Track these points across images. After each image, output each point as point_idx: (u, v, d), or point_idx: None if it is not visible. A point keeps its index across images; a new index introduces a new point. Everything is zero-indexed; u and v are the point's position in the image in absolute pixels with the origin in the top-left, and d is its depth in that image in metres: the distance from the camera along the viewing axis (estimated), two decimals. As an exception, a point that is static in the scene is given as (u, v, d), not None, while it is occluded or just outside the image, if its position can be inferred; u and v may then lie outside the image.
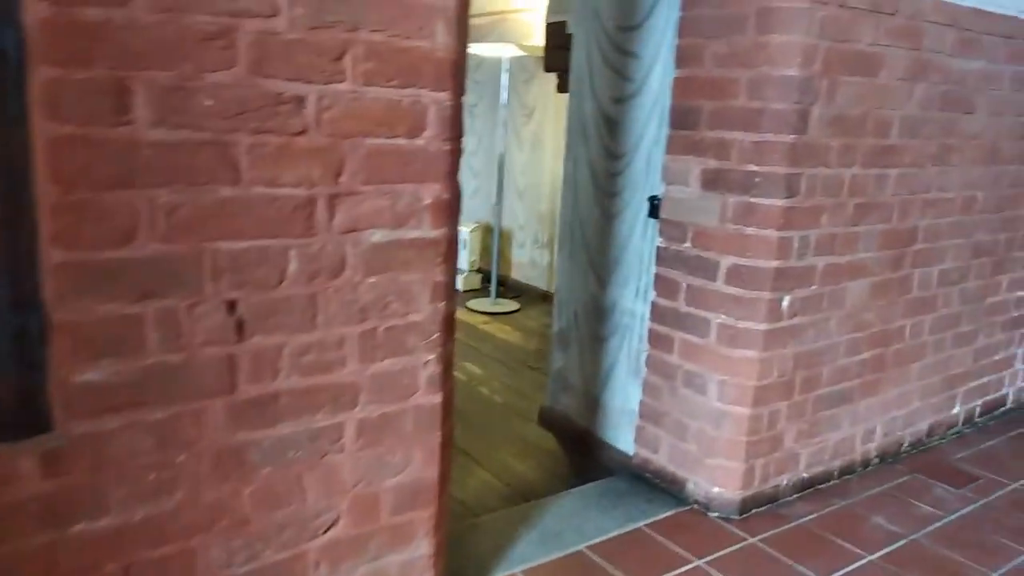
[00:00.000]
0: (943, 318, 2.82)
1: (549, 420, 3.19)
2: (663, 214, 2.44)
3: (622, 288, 2.79)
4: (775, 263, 2.18)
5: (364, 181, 1.40)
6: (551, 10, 3.47)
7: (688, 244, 2.35)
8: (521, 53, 4.56)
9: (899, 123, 2.38)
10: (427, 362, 1.57)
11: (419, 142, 1.45)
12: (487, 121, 5.64)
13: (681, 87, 2.31)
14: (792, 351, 2.32)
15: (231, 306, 1.31)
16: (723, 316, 2.27)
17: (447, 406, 1.65)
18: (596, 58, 2.79)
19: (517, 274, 5.61)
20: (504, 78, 4.85)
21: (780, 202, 2.14)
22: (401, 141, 1.43)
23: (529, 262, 5.52)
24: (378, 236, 1.44)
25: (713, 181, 2.24)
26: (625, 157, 2.72)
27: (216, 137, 1.23)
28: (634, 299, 2.74)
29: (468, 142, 5.94)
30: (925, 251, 2.64)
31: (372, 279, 1.46)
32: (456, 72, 1.47)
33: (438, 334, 1.57)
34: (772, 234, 2.16)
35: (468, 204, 6.05)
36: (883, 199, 2.42)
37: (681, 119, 2.32)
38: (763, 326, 2.22)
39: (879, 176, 2.38)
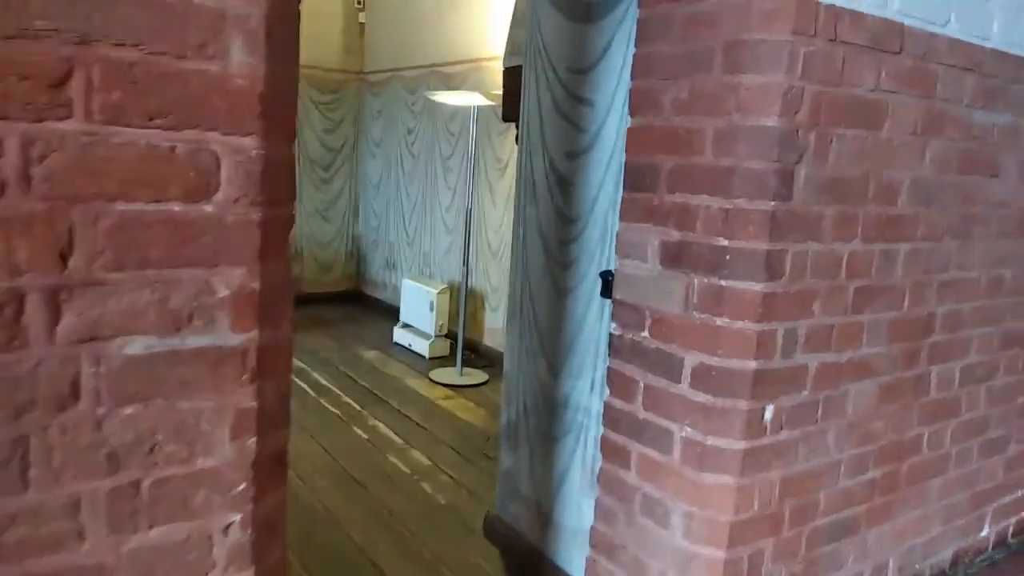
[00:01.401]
0: (968, 423, 2.30)
1: (495, 532, 2.66)
2: (616, 293, 1.97)
3: (575, 379, 2.30)
4: (754, 364, 1.70)
5: (112, 266, 0.94)
6: (508, 53, 3.07)
7: (646, 334, 1.87)
8: (490, 103, 4.17)
9: (909, 187, 1.92)
10: (228, 526, 1.08)
11: (207, 208, 0.99)
12: (461, 174, 5.24)
13: (636, 140, 1.86)
14: (779, 474, 1.81)
15: None
16: (689, 429, 1.77)
17: (269, 583, 1.15)
18: (547, 105, 2.36)
19: (490, 340, 5.13)
20: (472, 128, 4.45)
21: (759, 286, 1.67)
22: (176, 207, 0.97)
23: (503, 328, 5.04)
24: (137, 347, 0.97)
25: (675, 257, 1.78)
26: (579, 222, 2.26)
27: None
28: (589, 394, 2.25)
29: (442, 196, 5.54)
30: (944, 343, 2.15)
31: (128, 410, 0.98)
32: (270, 108, 1.02)
33: (246, 484, 1.08)
34: (749, 327, 1.68)
35: (440, 263, 5.61)
36: (891, 281, 1.94)
37: (636, 179, 1.87)
38: (740, 444, 1.72)
39: (886, 252, 1.91)
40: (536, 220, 2.44)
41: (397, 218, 6.13)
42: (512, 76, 3.02)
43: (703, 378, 1.73)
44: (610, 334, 2.00)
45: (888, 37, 1.76)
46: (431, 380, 4.49)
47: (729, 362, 1.70)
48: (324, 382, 4.32)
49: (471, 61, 5.01)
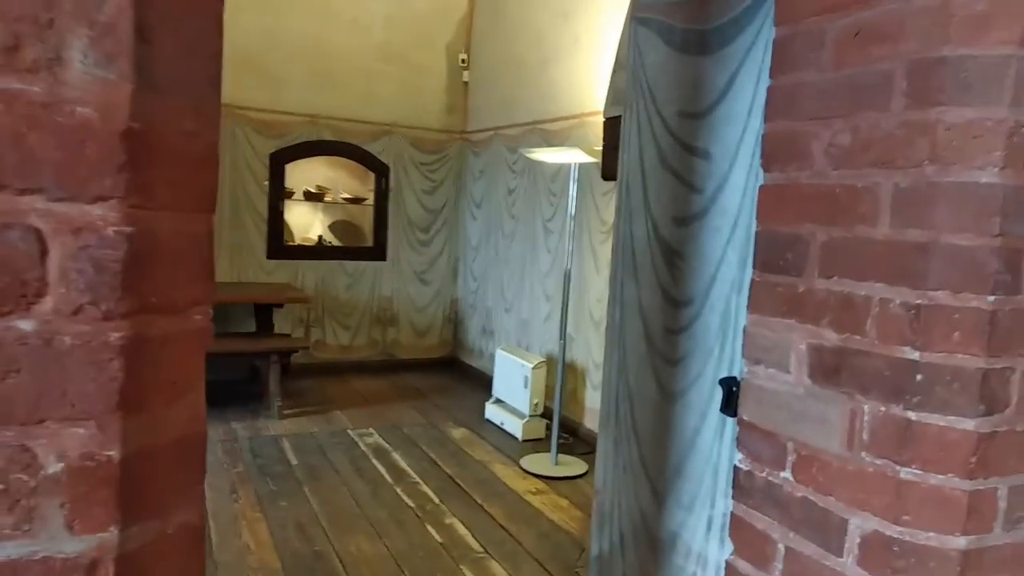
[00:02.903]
0: None
1: None
2: (743, 412, 1.43)
3: (686, 513, 1.75)
4: (962, 540, 1.10)
5: None
6: (609, 102, 2.64)
7: (787, 475, 1.31)
8: (592, 159, 3.74)
9: None
10: None
11: (21, 325, 0.58)
12: (562, 237, 4.81)
13: (771, 201, 1.34)
14: None
15: None
16: (854, 629, 1.18)
17: None
18: (651, 158, 1.88)
19: (591, 422, 4.57)
20: (572, 188, 4.03)
21: (970, 423, 1.09)
22: (-37, 325, 0.56)
23: (606, 409, 4.48)
24: None
25: (833, 370, 1.23)
26: (691, 306, 1.75)
27: None
28: (705, 536, 1.69)
29: (542, 261, 5.11)
30: None
31: None
32: (141, 155, 0.60)
33: None
34: (955, 484, 1.10)
35: (539, 332, 5.15)
36: None
37: (772, 255, 1.34)
38: (939, 666, 1.12)
39: None
40: (636, 300, 1.94)
41: (495, 283, 5.76)
42: (613, 128, 2.58)
43: (879, 554, 1.15)
44: (735, 467, 1.45)
45: None
46: (522, 469, 3.98)
47: (923, 535, 1.11)
48: (403, 465, 3.92)
49: (574, 116, 4.63)
